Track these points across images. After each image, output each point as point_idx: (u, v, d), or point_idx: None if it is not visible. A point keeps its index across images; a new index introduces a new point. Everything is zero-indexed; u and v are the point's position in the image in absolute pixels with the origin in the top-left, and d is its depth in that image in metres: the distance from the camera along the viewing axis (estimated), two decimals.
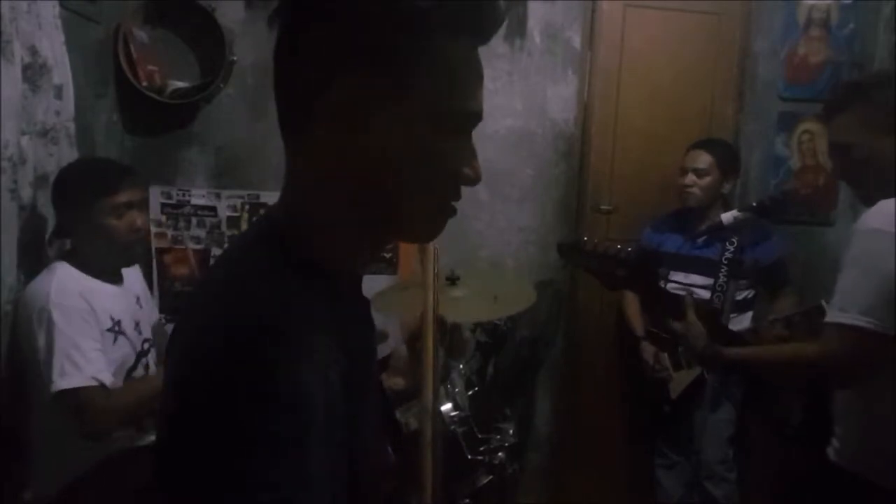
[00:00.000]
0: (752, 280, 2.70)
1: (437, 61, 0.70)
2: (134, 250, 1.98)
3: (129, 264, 2.04)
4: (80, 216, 1.87)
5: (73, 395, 1.72)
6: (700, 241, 2.74)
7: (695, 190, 2.74)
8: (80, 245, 1.92)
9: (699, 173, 2.73)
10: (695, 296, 2.67)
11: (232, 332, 0.64)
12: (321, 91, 0.70)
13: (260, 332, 0.64)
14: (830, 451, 1.69)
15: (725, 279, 2.58)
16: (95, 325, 1.83)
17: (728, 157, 2.79)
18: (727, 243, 2.57)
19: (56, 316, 1.74)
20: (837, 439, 1.68)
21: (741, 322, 2.57)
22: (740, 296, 2.64)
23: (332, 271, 0.75)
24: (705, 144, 2.80)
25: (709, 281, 2.67)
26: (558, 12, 3.04)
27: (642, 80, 3.13)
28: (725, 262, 2.59)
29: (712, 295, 2.63)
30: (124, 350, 1.91)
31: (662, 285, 2.69)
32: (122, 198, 1.87)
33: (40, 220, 1.98)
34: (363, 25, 0.69)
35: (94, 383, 1.74)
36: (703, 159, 2.74)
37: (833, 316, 1.53)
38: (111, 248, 1.90)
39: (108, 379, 1.78)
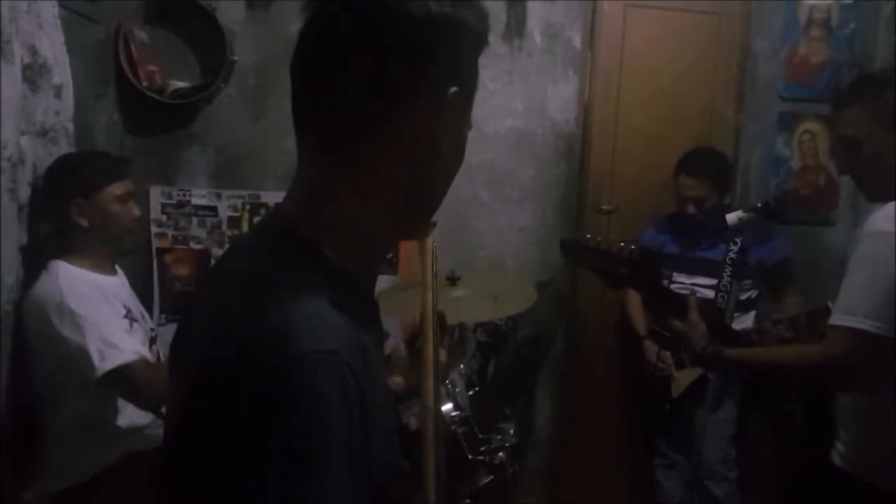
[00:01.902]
0: (757, 280, 2.70)
1: (470, 62, 0.76)
2: (131, 240, 2.02)
3: (124, 255, 2.05)
4: (83, 206, 1.86)
5: (121, 373, 1.73)
6: (703, 242, 2.74)
7: (696, 214, 2.72)
8: (78, 239, 1.89)
9: (696, 200, 2.70)
10: (698, 295, 2.69)
11: (251, 337, 0.63)
12: (360, 92, 0.71)
13: (280, 338, 0.62)
14: (834, 455, 1.68)
15: (729, 280, 2.58)
16: (114, 311, 1.85)
17: (721, 174, 2.75)
18: (730, 244, 2.57)
19: (76, 307, 1.75)
20: (841, 443, 1.67)
21: (744, 322, 2.56)
22: (744, 295, 2.63)
23: (351, 272, 0.74)
24: (694, 169, 2.72)
25: (712, 281, 2.66)
26: (558, 12, 3.04)
27: (642, 80, 3.12)
28: (729, 263, 2.58)
29: (716, 295, 2.62)
30: (139, 336, 1.92)
31: (666, 285, 2.69)
32: (126, 186, 1.93)
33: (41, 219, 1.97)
34: (410, 23, 0.70)
35: (137, 357, 1.76)
36: (698, 187, 2.69)
37: (838, 319, 1.51)
38: (112, 238, 1.92)
39: (146, 353, 1.80)
